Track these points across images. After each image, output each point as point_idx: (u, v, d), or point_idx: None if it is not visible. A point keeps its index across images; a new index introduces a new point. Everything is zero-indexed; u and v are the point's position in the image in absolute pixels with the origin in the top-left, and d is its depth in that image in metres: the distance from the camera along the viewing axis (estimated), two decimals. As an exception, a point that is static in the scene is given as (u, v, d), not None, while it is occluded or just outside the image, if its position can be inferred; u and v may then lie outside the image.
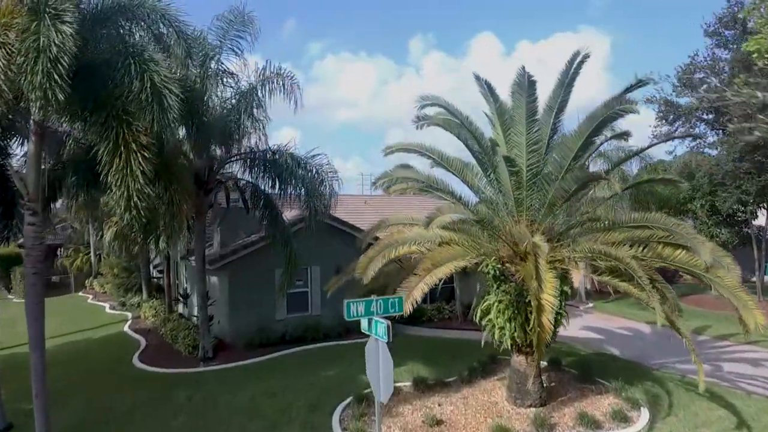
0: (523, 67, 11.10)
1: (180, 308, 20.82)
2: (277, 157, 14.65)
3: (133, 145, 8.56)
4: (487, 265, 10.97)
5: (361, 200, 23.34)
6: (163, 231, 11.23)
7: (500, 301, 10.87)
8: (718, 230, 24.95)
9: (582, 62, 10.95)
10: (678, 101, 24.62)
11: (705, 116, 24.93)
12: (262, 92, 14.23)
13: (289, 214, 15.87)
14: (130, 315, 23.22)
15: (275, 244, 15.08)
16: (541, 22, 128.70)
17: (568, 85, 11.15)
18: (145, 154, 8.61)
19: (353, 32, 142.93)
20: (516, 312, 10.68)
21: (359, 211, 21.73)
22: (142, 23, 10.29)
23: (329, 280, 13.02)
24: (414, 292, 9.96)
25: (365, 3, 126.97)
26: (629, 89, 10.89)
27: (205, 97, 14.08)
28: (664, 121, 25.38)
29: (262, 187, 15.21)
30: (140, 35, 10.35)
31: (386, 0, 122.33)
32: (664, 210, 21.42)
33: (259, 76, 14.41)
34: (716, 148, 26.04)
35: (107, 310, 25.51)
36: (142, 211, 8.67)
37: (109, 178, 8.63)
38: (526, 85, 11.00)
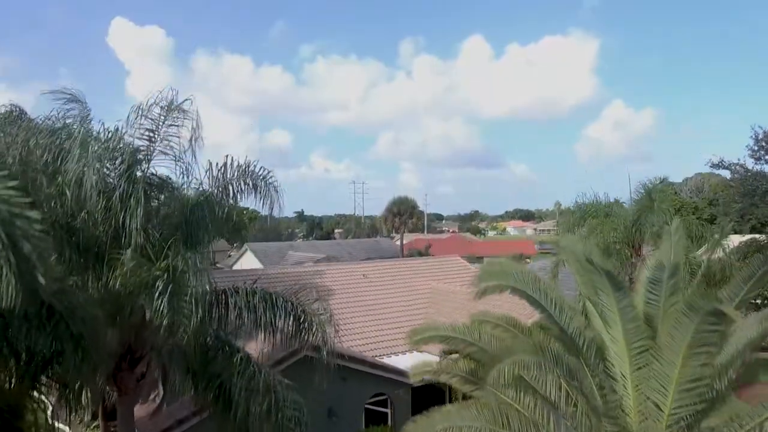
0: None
1: None
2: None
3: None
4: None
5: (358, 273, 20.90)
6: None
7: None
8: None
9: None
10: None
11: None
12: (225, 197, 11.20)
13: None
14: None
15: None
16: (530, 24, 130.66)
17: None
18: None
19: (343, 35, 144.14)
20: None
21: (356, 289, 19.23)
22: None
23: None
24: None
25: (355, 6, 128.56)
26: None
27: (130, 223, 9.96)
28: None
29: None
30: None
31: (376, 3, 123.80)
32: None
33: (216, 181, 11.32)
34: None
35: None
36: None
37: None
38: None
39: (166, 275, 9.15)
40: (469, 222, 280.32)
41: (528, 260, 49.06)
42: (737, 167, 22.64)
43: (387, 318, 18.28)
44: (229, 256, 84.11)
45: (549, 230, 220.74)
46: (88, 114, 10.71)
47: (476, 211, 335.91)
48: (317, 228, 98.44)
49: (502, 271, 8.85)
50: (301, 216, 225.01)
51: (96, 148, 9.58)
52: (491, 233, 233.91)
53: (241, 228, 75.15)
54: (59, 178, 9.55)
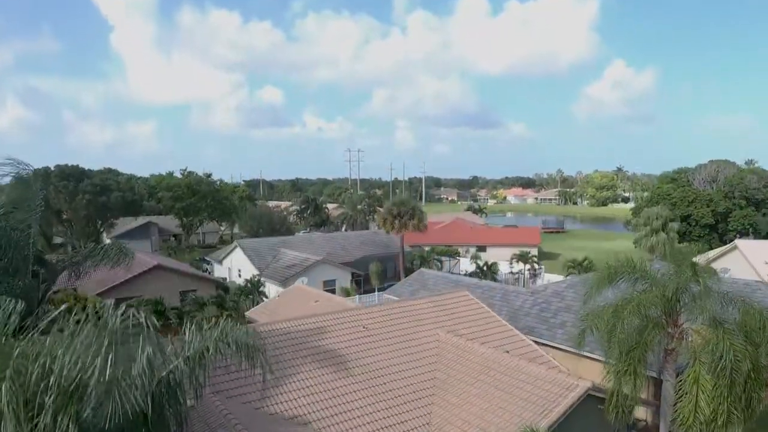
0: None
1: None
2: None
3: None
4: None
5: (359, 322, 18.97)
6: None
7: None
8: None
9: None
10: None
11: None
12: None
13: None
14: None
15: None
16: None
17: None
18: None
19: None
20: None
21: (357, 346, 17.37)
22: None
23: None
24: None
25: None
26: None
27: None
28: None
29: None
30: None
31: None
32: None
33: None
34: None
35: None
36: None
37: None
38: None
39: None
40: (468, 188, 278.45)
41: (539, 265, 47.31)
42: None
43: (389, 386, 16.61)
44: (221, 238, 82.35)
45: (550, 199, 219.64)
46: None
47: (475, 177, 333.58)
48: (312, 206, 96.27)
49: None
50: (295, 185, 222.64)
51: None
52: (491, 202, 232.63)
53: (231, 210, 72.82)
54: None
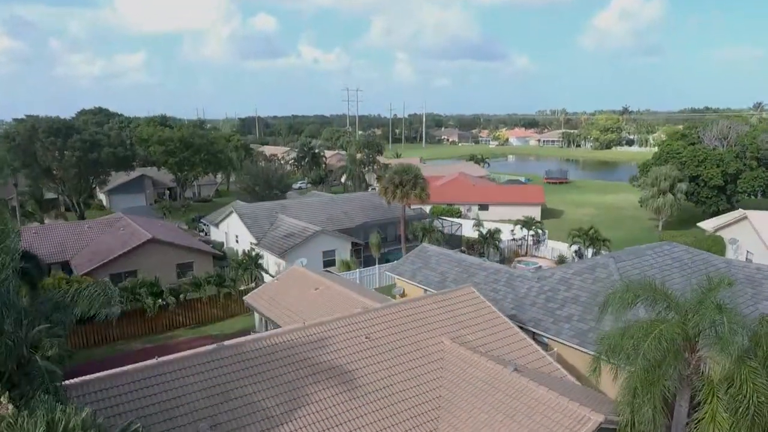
0: None
1: None
2: None
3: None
4: None
5: (361, 331, 18.26)
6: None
7: None
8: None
9: None
10: None
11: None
12: None
13: None
14: None
15: None
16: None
17: None
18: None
19: None
20: None
21: (357, 360, 16.67)
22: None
23: None
24: None
25: None
26: None
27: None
28: None
29: None
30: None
31: None
32: None
33: None
34: None
35: None
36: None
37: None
38: None
39: None
40: (469, 129, 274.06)
41: (540, 226, 46.58)
42: None
43: (393, 408, 16.26)
44: (217, 191, 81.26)
45: (553, 141, 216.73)
46: None
47: (477, 117, 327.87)
48: (309, 155, 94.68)
49: None
50: (291, 126, 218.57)
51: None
52: (493, 144, 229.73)
53: (226, 164, 71.41)
54: None
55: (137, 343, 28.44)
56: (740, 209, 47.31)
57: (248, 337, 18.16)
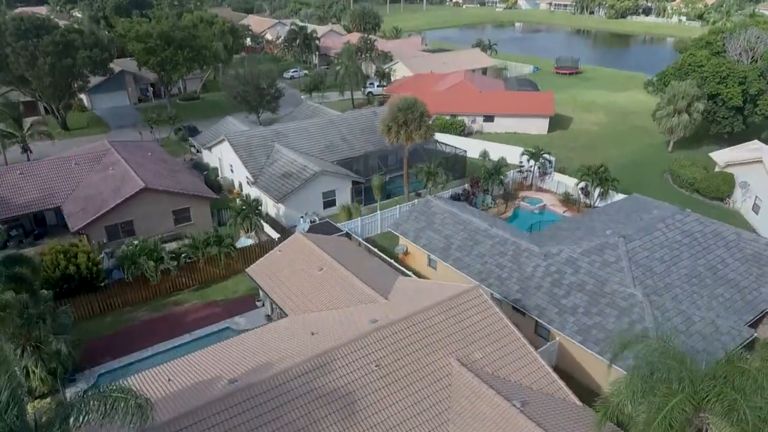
0: None
1: None
2: None
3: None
4: None
5: (370, 361, 18.17)
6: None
7: None
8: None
9: None
10: None
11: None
12: None
13: None
14: None
15: None
16: None
17: None
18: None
19: None
20: None
21: (364, 397, 17.20)
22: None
23: None
24: None
25: None
26: None
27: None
28: None
29: None
30: None
31: None
32: None
33: None
34: None
35: None
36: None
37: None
38: None
39: None
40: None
41: (550, 163, 45.57)
42: None
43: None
44: (204, 86, 77.44)
45: (565, 5, 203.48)
46: None
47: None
48: (300, 36, 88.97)
49: None
50: None
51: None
52: (500, 7, 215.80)
53: (211, 61, 67.55)
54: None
55: (143, 311, 29.18)
56: (756, 141, 46.24)
57: (261, 377, 18.31)
